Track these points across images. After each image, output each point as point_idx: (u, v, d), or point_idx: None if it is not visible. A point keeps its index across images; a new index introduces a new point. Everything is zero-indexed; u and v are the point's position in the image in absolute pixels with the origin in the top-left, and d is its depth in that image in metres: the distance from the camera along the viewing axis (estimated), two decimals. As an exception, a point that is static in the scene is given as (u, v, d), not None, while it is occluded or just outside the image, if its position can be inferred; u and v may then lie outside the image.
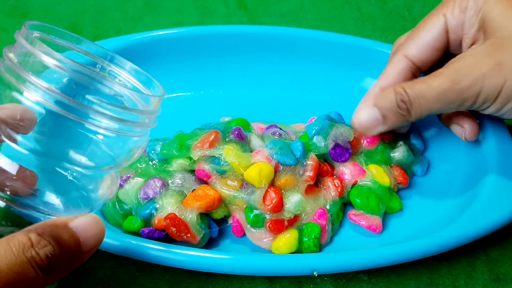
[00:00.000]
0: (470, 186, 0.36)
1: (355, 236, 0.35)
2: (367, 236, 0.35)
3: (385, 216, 0.36)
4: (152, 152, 0.34)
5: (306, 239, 0.33)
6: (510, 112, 0.33)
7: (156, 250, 0.30)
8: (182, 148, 0.33)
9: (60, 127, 0.23)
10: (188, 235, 0.31)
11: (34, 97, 0.22)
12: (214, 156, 0.33)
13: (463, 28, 0.34)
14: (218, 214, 0.34)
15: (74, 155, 0.24)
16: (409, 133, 0.40)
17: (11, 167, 0.23)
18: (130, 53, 0.41)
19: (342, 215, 0.36)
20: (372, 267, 0.31)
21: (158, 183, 0.33)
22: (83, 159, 0.24)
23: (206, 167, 0.33)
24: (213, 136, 0.33)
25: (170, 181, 0.33)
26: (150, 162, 0.34)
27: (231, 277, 0.33)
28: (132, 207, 0.33)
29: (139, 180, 0.33)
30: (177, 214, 0.32)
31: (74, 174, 0.25)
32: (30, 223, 0.23)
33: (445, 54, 0.36)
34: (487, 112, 0.33)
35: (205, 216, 0.33)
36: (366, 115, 0.35)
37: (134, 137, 0.25)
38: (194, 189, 0.33)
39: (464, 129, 0.36)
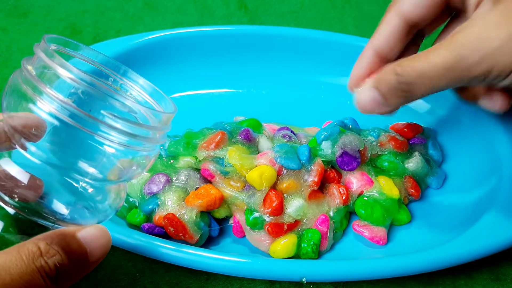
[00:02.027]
0: (485, 202, 0.35)
1: (358, 246, 0.35)
2: (370, 247, 0.34)
3: (394, 227, 0.36)
4: (161, 147, 0.35)
5: (305, 245, 0.33)
6: None
7: (157, 247, 0.30)
8: (189, 146, 0.34)
9: (71, 138, 0.24)
10: (185, 235, 0.32)
11: (49, 108, 0.23)
12: (218, 156, 0.33)
13: None
14: (220, 213, 0.34)
15: (84, 166, 0.24)
16: (427, 142, 0.39)
17: (22, 175, 0.24)
18: (153, 49, 0.42)
19: (346, 224, 0.35)
20: (363, 279, 0.31)
21: (162, 179, 0.34)
22: (92, 171, 0.24)
23: (211, 167, 0.33)
24: (219, 137, 0.34)
25: (174, 178, 0.34)
26: (158, 158, 0.35)
27: (231, 277, 0.33)
28: (137, 200, 0.34)
29: (146, 174, 0.34)
30: (177, 211, 0.32)
31: (83, 184, 0.25)
32: (38, 230, 0.23)
33: (445, 7, 0.32)
34: (499, 86, 0.29)
35: (206, 214, 0.33)
36: (366, 97, 0.31)
37: (143, 151, 0.25)
38: (198, 187, 0.33)
39: (494, 100, 0.32)
